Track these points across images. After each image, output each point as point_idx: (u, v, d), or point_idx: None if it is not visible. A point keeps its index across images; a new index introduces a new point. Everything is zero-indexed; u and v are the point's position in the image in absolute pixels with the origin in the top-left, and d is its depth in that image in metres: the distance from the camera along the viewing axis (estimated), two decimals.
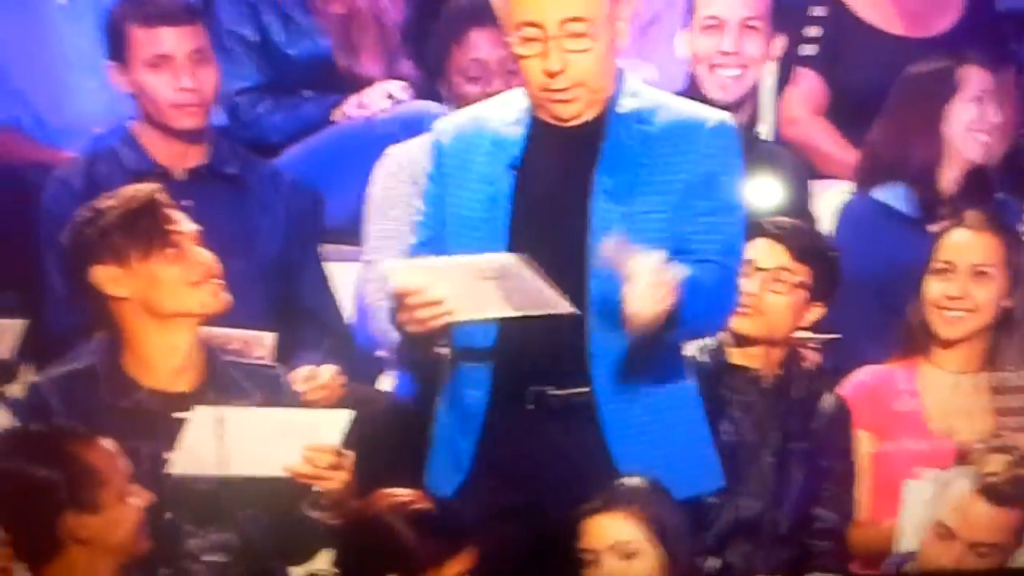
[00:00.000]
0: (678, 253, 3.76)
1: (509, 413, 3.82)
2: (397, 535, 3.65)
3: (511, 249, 3.74)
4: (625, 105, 3.84)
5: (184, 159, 4.41)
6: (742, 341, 4.29)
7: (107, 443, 3.57)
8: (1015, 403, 4.42)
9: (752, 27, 4.73)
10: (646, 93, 3.87)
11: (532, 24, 3.72)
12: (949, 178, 4.74)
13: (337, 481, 3.74)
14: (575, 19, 3.74)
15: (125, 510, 3.54)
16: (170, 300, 3.81)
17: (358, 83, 4.82)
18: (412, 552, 3.65)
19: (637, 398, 3.83)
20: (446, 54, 4.55)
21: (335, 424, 3.74)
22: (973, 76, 4.74)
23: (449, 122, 3.92)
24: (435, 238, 3.84)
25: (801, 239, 4.34)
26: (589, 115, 3.82)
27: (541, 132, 3.82)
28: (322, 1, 4.88)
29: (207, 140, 4.43)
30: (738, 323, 4.22)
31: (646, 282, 3.63)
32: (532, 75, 3.77)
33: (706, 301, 3.77)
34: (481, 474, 3.82)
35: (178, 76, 4.36)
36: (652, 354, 3.80)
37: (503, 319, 3.74)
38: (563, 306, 3.71)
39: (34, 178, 4.52)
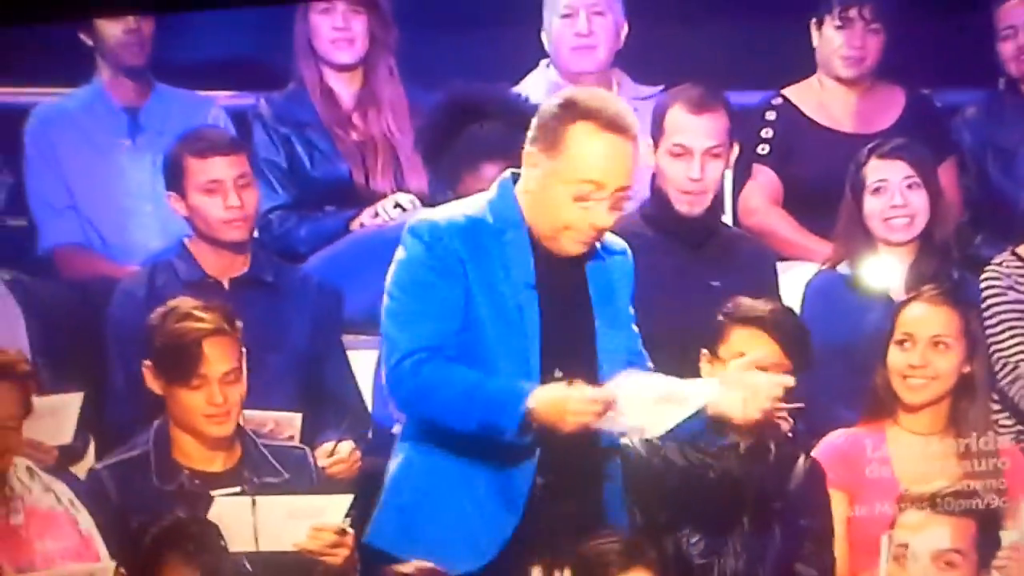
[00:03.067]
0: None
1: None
2: None
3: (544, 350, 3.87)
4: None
5: (230, 269, 4.61)
6: (727, 428, 4.09)
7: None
8: (981, 467, 4.38)
9: (716, 154, 4.72)
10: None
11: (594, 183, 3.85)
12: (895, 257, 4.77)
13: (339, 557, 3.91)
14: (626, 188, 3.90)
15: None
16: (186, 422, 4.05)
17: (372, 198, 5.01)
18: None
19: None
20: (458, 179, 4.61)
21: (338, 507, 3.92)
22: (874, 168, 4.76)
23: (442, 222, 3.93)
24: (463, 329, 3.88)
25: (783, 327, 4.27)
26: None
27: (542, 257, 3.93)
28: (342, 131, 5.09)
29: (248, 252, 4.64)
30: (724, 409, 4.00)
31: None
32: (568, 216, 3.87)
33: None
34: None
35: (227, 197, 4.57)
36: None
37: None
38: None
39: (102, 289, 4.71)
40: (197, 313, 4.05)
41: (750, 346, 4.20)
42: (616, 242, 4.05)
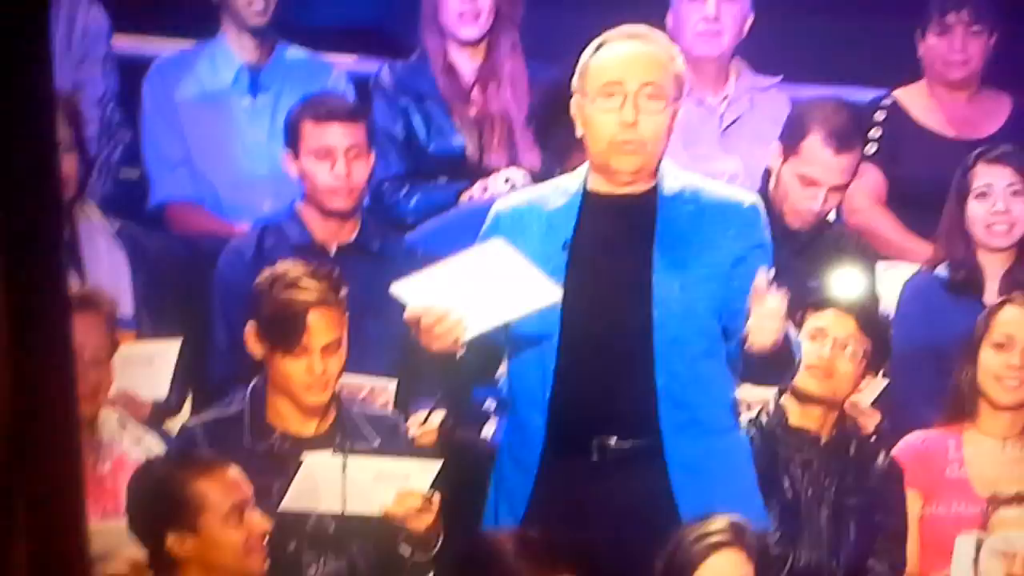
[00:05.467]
0: (723, 324, 3.69)
1: (567, 463, 3.69)
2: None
3: (566, 324, 3.64)
4: (669, 184, 3.76)
5: (338, 235, 4.42)
6: (805, 400, 4.17)
7: (222, 472, 3.52)
8: None
9: (841, 188, 4.57)
10: (683, 175, 3.81)
11: (615, 82, 3.69)
12: (992, 262, 4.62)
13: (423, 522, 3.73)
14: (651, 83, 3.70)
15: (229, 533, 3.49)
16: (284, 387, 3.83)
17: (485, 172, 4.80)
18: None
19: (702, 443, 3.70)
20: (568, 155, 4.38)
21: (426, 472, 3.73)
22: (980, 174, 4.61)
23: (508, 202, 3.82)
24: None
25: (867, 313, 4.24)
26: (640, 187, 3.74)
27: (594, 208, 3.73)
28: (461, 105, 4.88)
29: (357, 219, 4.44)
30: (806, 382, 4.12)
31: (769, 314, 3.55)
32: (604, 129, 3.69)
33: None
34: (534, 523, 3.66)
35: (335, 165, 4.37)
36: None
37: (560, 369, 3.62)
38: (552, 290, 3.60)
39: (211, 246, 4.54)
40: (304, 281, 3.82)
41: (836, 327, 4.13)
42: (729, 193, 3.79)
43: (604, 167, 3.71)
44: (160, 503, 3.49)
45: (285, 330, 3.78)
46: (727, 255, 3.71)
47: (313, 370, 3.79)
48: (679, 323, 3.68)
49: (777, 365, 3.69)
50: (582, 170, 3.77)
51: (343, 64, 5.05)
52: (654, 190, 3.73)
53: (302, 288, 3.82)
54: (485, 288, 3.59)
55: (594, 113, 3.69)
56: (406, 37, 5.01)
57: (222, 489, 3.50)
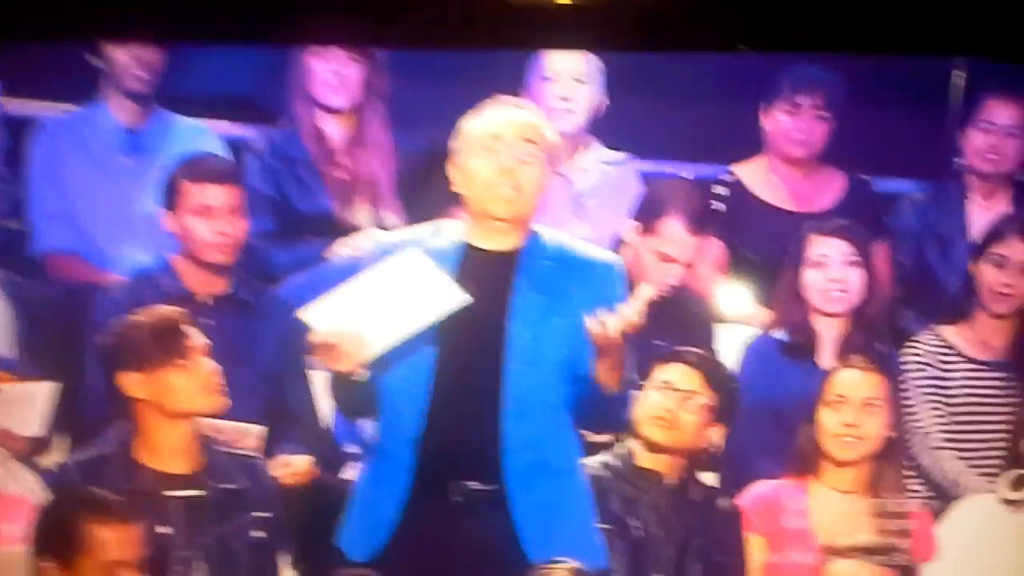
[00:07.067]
0: (574, 375, 3.75)
1: (428, 505, 3.74)
2: None
3: (437, 369, 3.71)
4: (537, 241, 3.84)
5: (210, 287, 4.46)
6: (654, 448, 4.25)
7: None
8: (892, 527, 4.35)
9: (692, 264, 4.69)
10: (552, 234, 3.90)
11: (496, 137, 3.79)
12: (827, 327, 4.71)
13: None
14: (529, 140, 3.80)
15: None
16: (180, 403, 3.86)
17: (351, 230, 4.85)
18: None
19: (548, 487, 3.76)
20: (431, 217, 4.48)
21: None
22: (816, 245, 4.71)
23: (387, 239, 3.89)
24: None
25: (712, 368, 4.33)
26: (510, 242, 3.81)
27: (466, 259, 3.80)
28: (330, 169, 4.93)
29: (229, 273, 4.49)
30: (653, 432, 4.21)
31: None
32: (483, 177, 3.78)
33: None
34: (393, 552, 3.72)
35: (217, 223, 4.43)
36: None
37: (429, 413, 3.67)
38: (459, 296, 3.66)
39: (88, 294, 4.55)
40: (169, 310, 3.93)
41: (682, 381, 4.23)
42: (592, 253, 3.89)
43: (481, 214, 3.78)
44: None
45: (164, 341, 3.82)
46: (583, 310, 3.77)
47: (201, 371, 3.83)
48: (531, 373, 3.75)
49: (618, 413, 3.78)
50: (456, 223, 3.85)
51: (219, 128, 5.10)
52: (521, 247, 3.81)
53: (171, 311, 3.90)
54: (392, 302, 3.62)
55: (474, 164, 3.79)
56: (278, 104, 5.05)
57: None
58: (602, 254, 3.90)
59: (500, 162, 3.76)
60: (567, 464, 3.84)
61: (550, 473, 3.78)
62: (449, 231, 3.85)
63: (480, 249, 3.80)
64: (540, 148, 3.80)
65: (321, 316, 3.62)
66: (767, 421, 4.57)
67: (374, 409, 3.79)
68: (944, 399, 4.71)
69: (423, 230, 3.88)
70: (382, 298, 3.63)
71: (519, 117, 3.82)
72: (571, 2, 4.60)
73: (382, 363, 3.69)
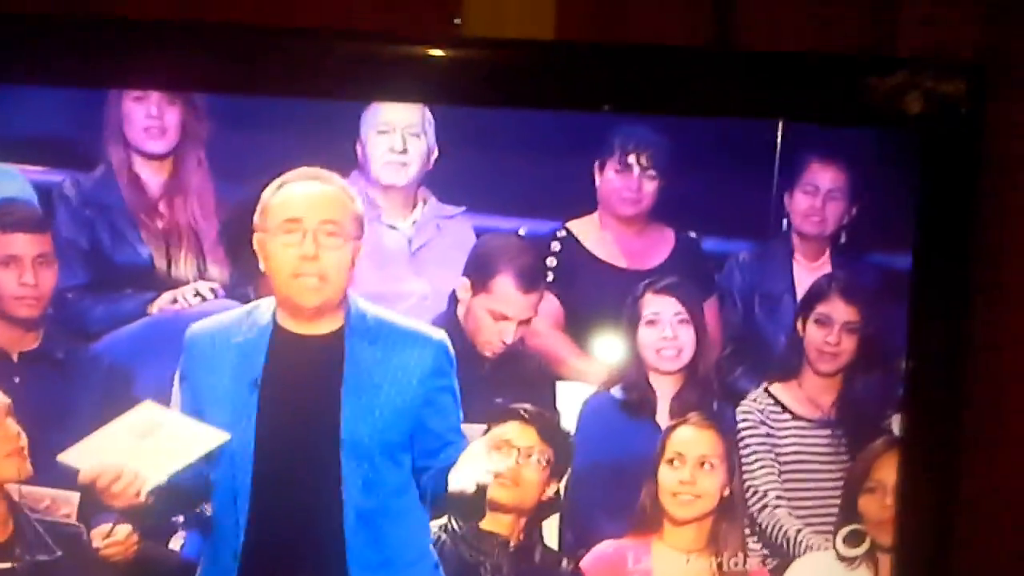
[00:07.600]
0: (415, 463, 3.62)
1: None
2: None
3: (258, 467, 3.52)
4: (357, 324, 3.69)
5: (20, 343, 4.22)
6: (495, 508, 4.17)
7: None
8: None
9: (526, 321, 4.61)
10: (372, 310, 3.74)
11: (295, 220, 3.64)
12: (663, 384, 4.67)
13: None
14: (330, 221, 3.66)
15: None
16: None
17: (174, 284, 4.59)
18: None
19: None
20: (259, 273, 4.30)
21: None
22: (648, 303, 4.70)
23: (201, 326, 3.73)
24: None
25: (545, 423, 4.31)
26: (328, 325, 3.67)
27: (283, 345, 3.64)
28: (147, 218, 4.70)
29: (41, 328, 4.25)
30: (495, 491, 4.11)
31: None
32: (285, 264, 3.64)
33: None
34: None
35: (23, 274, 4.21)
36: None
37: (253, 512, 3.49)
38: (217, 435, 3.47)
39: None
40: None
41: (519, 438, 4.22)
42: (418, 330, 3.75)
43: (287, 302, 3.63)
44: None
45: None
46: (416, 395, 3.66)
47: (2, 434, 3.63)
48: (368, 463, 3.59)
49: (473, 504, 3.65)
50: (271, 303, 3.66)
51: (29, 173, 4.82)
52: (342, 329, 3.65)
53: None
54: (151, 445, 3.45)
55: (275, 248, 3.65)
56: (92, 149, 4.78)
57: None
58: (429, 331, 3.79)
59: (302, 250, 3.64)
60: (415, 554, 3.74)
61: (397, 565, 3.67)
62: (265, 311, 3.68)
63: (298, 334, 3.63)
64: (345, 226, 3.69)
65: (82, 457, 3.46)
66: (609, 480, 4.52)
67: (199, 501, 3.57)
68: (776, 457, 4.70)
69: (236, 313, 3.70)
70: (138, 445, 3.47)
71: (320, 193, 3.70)
72: (407, 54, 4.47)
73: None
